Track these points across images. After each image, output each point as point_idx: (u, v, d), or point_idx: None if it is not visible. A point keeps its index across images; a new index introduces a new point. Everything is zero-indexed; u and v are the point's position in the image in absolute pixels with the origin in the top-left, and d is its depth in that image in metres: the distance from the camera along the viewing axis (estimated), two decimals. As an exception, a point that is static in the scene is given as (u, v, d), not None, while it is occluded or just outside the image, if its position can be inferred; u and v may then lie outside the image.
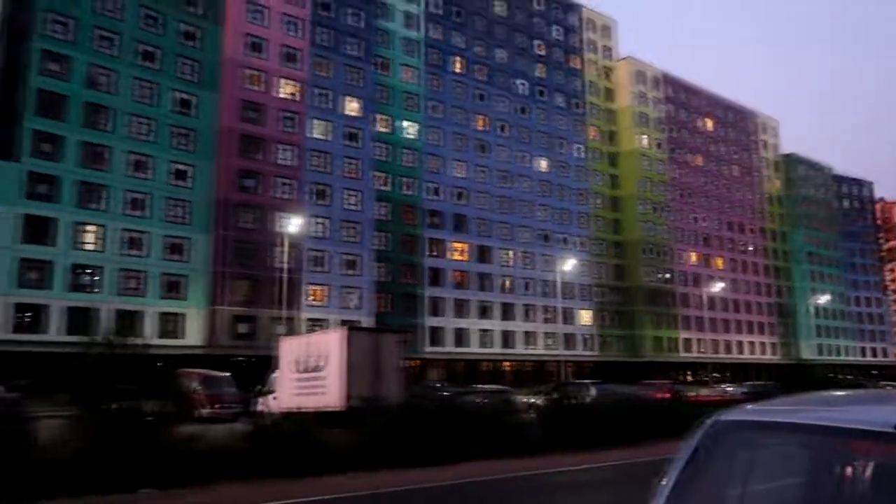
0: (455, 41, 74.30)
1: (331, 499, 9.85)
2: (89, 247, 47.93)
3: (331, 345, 21.64)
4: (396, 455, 13.07)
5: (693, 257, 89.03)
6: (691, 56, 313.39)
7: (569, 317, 76.29)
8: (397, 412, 14.54)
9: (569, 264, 70.60)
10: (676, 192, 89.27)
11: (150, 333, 43.18)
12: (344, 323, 49.44)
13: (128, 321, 45.18)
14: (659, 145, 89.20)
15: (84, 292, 46.95)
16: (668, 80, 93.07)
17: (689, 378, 77.21)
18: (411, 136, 68.76)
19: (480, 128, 74.48)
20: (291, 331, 48.82)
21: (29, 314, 44.82)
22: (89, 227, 48.07)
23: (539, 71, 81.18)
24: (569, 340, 75.59)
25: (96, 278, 47.85)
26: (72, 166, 47.44)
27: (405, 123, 68.50)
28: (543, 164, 79.27)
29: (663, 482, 2.05)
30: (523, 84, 79.31)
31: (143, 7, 52.52)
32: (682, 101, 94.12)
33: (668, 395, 30.96)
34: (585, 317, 78.92)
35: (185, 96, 53.50)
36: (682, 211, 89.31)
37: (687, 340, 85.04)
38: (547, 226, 77.85)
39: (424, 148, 69.17)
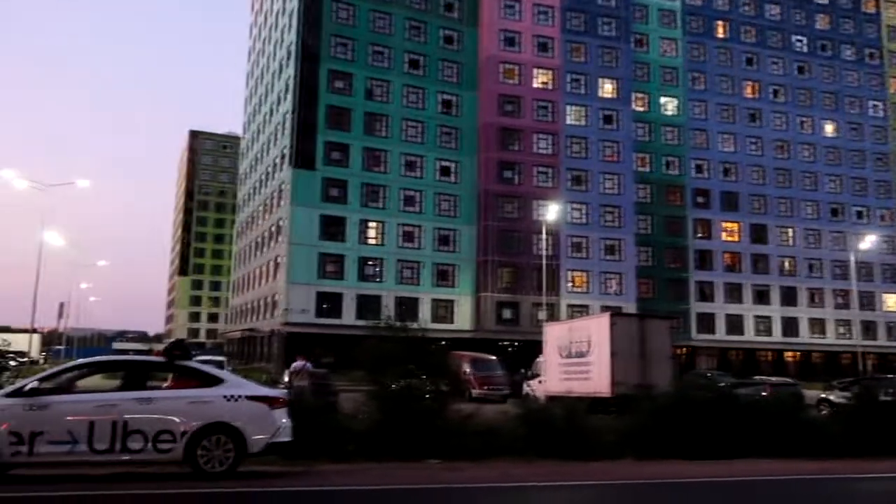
0: (717, 4, 68.60)
1: (608, 484, 9.75)
2: (372, 241, 53.70)
3: (594, 330, 21.47)
4: (668, 446, 12.51)
5: None
6: None
7: (868, 301, 66.38)
8: (668, 401, 13.89)
9: (867, 241, 61.26)
10: None
11: (425, 318, 47.12)
12: (605, 309, 48.74)
13: (407, 307, 49.75)
14: None
15: (370, 281, 52.78)
16: None
17: None
18: (672, 113, 65.22)
19: (750, 95, 67.97)
20: (553, 316, 49.53)
21: (328, 301, 51.69)
22: (372, 224, 53.84)
23: (821, 23, 71.48)
24: (868, 328, 65.78)
25: (379, 269, 53.47)
26: (357, 170, 53.54)
27: (664, 100, 65.18)
28: (829, 129, 69.79)
29: None
30: (801, 40, 70.49)
31: (409, 19, 57.09)
32: None
33: None
34: (891, 301, 67.99)
35: (447, 97, 57.15)
36: None
37: None
38: (837, 198, 68.48)
39: (687, 123, 65.15)
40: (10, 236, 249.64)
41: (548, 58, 59.43)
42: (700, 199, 64.45)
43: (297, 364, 17.27)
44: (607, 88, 60.71)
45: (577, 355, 22.11)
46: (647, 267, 61.30)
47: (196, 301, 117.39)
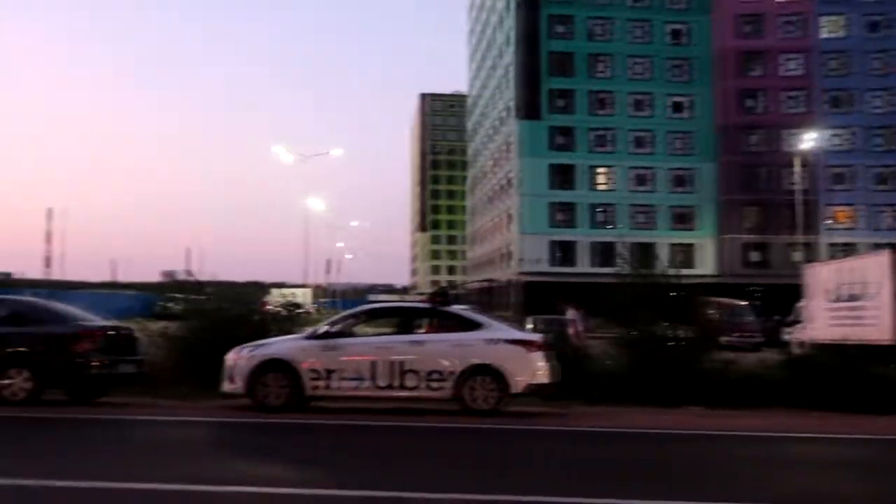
0: None
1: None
2: (602, 187, 52.57)
3: (871, 270, 18.97)
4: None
5: None
6: None
7: None
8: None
9: None
10: None
11: (663, 264, 45.20)
12: (877, 247, 42.66)
13: (642, 253, 48.12)
14: None
15: (602, 228, 51.91)
16: None
17: None
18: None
19: None
20: (809, 257, 44.63)
21: (561, 250, 51.94)
22: (601, 170, 52.65)
23: None
24: None
25: (611, 215, 52.29)
26: (583, 116, 52.47)
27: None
28: None
29: None
30: None
31: (629, -52, 53.82)
32: None
33: None
34: None
35: (676, 26, 53.29)
36: None
37: None
38: None
39: None
40: (277, 204, 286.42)
41: (795, -36, 52.30)
42: None
43: (572, 312, 18.16)
44: (873, -12, 51.92)
45: (850, 299, 19.78)
46: (934, 196, 52.31)
47: (436, 255, 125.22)
